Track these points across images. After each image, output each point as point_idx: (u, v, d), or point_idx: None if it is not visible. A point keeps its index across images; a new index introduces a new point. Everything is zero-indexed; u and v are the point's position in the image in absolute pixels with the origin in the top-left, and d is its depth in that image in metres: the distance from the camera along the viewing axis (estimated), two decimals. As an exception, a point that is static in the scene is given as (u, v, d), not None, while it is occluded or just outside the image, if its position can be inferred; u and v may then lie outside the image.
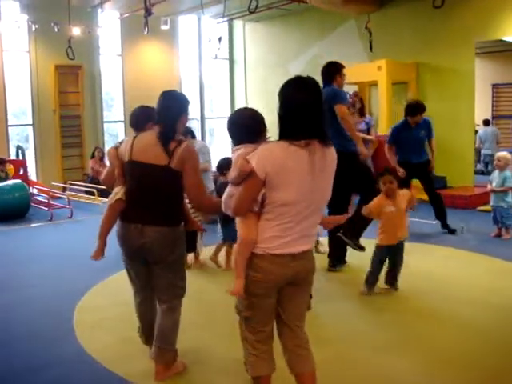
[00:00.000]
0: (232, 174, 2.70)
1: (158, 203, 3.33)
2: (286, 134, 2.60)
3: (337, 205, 5.34)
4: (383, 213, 4.92)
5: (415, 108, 7.45)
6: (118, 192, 3.44)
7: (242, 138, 2.83)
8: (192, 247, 6.02)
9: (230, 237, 5.80)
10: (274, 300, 2.79)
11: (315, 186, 2.64)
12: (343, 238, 5.73)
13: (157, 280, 3.48)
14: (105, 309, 4.81)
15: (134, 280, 3.64)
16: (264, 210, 2.64)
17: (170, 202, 3.38)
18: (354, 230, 5.73)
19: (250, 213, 2.67)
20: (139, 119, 3.77)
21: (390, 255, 5.04)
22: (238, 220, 2.75)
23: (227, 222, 5.80)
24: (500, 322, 4.29)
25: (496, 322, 4.29)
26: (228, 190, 2.78)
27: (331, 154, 2.70)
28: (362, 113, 8.94)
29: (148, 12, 8.17)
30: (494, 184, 7.09)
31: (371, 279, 5.04)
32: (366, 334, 4.15)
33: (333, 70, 5.79)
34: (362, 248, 5.74)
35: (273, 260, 2.66)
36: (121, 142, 3.59)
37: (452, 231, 7.39)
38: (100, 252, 3.54)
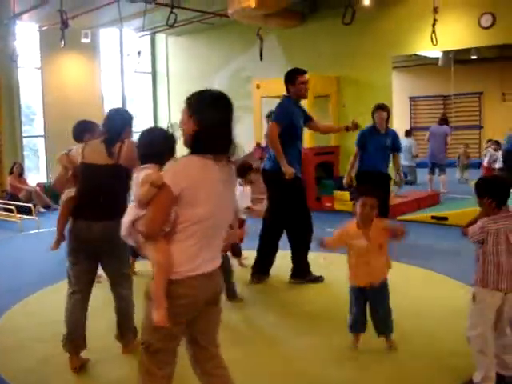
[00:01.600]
0: (140, 192, 2.52)
1: (107, 200, 3.68)
2: (199, 148, 2.53)
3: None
4: (352, 245, 3.98)
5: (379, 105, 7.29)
6: (71, 191, 3.86)
7: (151, 157, 2.72)
8: None
9: None
10: (183, 331, 2.63)
11: (223, 202, 2.60)
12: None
13: (109, 270, 3.92)
14: (24, 330, 4.63)
15: (76, 276, 3.83)
16: (175, 230, 2.48)
17: (118, 198, 3.70)
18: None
19: (161, 235, 2.49)
20: (76, 131, 4.41)
21: (367, 299, 4.06)
22: (147, 245, 2.53)
23: None
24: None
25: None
26: (131, 212, 2.57)
27: (232, 170, 2.69)
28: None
29: (64, 24, 7.99)
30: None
31: (352, 323, 4.07)
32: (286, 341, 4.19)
33: (286, 80, 5.77)
34: (318, 278, 5.77)
35: (192, 283, 2.50)
36: (70, 150, 3.97)
37: None
38: (57, 244, 3.98)
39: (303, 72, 5.72)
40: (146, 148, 2.82)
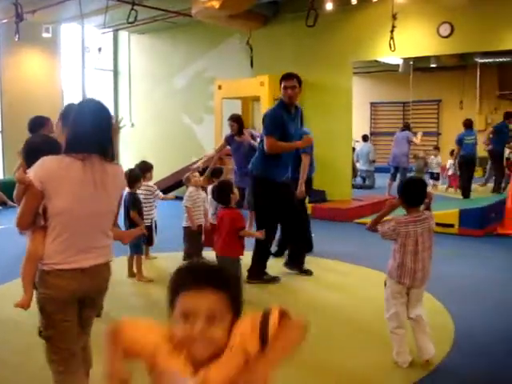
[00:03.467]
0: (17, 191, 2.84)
1: None
2: (68, 148, 2.73)
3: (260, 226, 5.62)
4: None
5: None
6: None
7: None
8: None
9: (133, 249, 5.94)
10: (72, 317, 2.75)
11: (97, 198, 2.72)
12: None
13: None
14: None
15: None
16: (47, 223, 2.66)
17: None
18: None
19: (37, 228, 2.69)
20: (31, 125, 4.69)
21: None
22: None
23: None
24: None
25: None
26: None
27: (113, 169, 2.85)
28: (240, 132, 8.30)
29: (19, 18, 7.84)
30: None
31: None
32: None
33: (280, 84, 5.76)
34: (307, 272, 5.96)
35: (61, 275, 2.64)
36: None
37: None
38: None
39: (287, 76, 5.73)
40: (33, 152, 3.02)
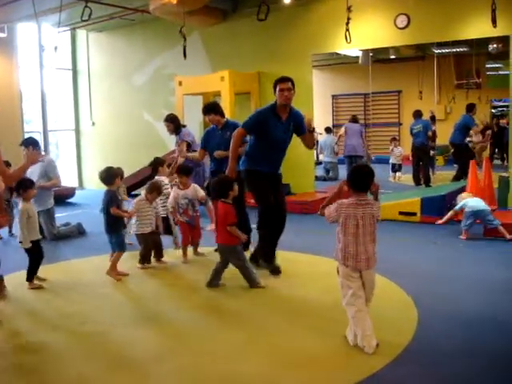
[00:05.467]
0: None
1: None
2: None
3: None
4: None
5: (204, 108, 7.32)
6: None
7: None
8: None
9: (116, 247, 6.00)
10: None
11: None
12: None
13: None
14: None
15: None
16: None
17: None
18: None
19: None
20: None
21: None
22: None
23: (112, 231, 5.99)
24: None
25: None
26: None
27: None
28: (177, 131, 8.53)
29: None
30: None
31: None
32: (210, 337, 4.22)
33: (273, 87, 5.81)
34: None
35: None
36: None
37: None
38: None
39: (283, 79, 5.75)
40: None
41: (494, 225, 7.35)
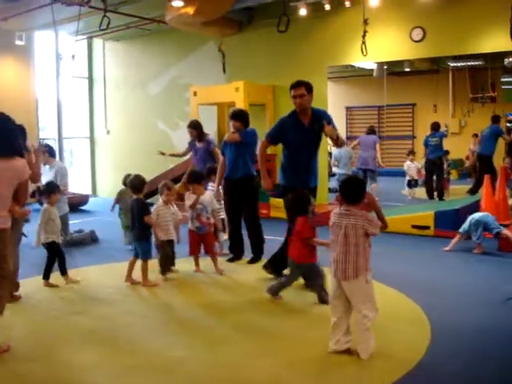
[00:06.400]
0: None
1: None
2: None
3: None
4: None
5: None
6: None
7: None
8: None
9: (144, 254, 6.01)
10: None
11: None
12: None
13: None
14: None
15: None
16: None
17: None
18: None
19: None
20: None
21: None
22: None
23: (142, 238, 6.01)
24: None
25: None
26: None
27: (3, 165, 3.99)
28: (200, 139, 8.54)
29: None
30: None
31: None
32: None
33: None
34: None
35: None
36: None
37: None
38: None
39: (295, 85, 5.71)
40: None
41: (496, 230, 7.31)
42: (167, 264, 6.32)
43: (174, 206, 6.55)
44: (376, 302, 4.00)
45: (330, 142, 6.28)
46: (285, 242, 5.89)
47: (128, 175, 8.60)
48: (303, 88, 5.67)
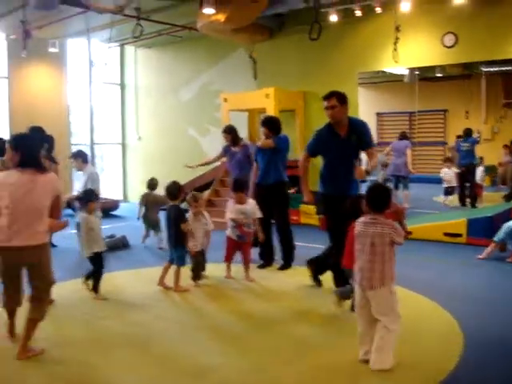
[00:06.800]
0: None
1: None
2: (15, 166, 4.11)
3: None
4: None
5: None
6: None
7: None
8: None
9: (179, 260, 6.07)
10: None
11: (25, 199, 4.00)
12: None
13: None
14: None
15: None
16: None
17: None
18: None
19: None
20: None
21: None
22: None
23: (178, 245, 6.07)
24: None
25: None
26: None
27: (43, 178, 4.12)
28: (235, 142, 8.53)
29: (27, 35, 7.91)
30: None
31: None
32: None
33: None
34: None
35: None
36: None
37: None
38: None
39: (326, 96, 5.56)
40: None
41: None
42: (199, 271, 6.33)
43: (206, 215, 6.44)
44: (399, 315, 3.93)
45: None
46: (330, 250, 5.79)
47: (152, 179, 8.83)
48: (335, 99, 5.47)
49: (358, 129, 5.59)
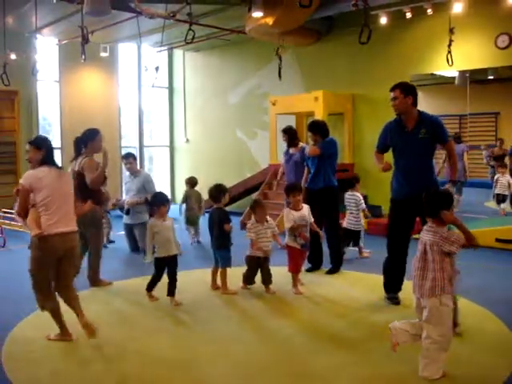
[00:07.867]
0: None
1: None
2: (41, 163, 4.62)
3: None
4: None
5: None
6: None
7: None
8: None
9: (223, 263, 6.10)
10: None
11: (61, 189, 4.58)
12: None
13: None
14: (35, 341, 4.66)
15: None
16: (38, 208, 4.42)
17: None
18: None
19: (30, 210, 4.43)
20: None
21: None
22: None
23: (222, 247, 6.09)
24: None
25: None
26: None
27: (63, 172, 4.79)
28: (291, 143, 8.54)
29: (85, 40, 8.12)
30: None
31: None
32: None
33: None
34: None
35: (51, 239, 4.41)
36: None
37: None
38: None
39: (391, 88, 5.45)
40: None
41: None
42: (251, 278, 6.23)
43: (269, 219, 6.21)
44: (451, 329, 3.84)
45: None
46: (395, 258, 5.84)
47: (191, 177, 9.06)
48: (398, 90, 5.35)
49: (429, 122, 5.39)
